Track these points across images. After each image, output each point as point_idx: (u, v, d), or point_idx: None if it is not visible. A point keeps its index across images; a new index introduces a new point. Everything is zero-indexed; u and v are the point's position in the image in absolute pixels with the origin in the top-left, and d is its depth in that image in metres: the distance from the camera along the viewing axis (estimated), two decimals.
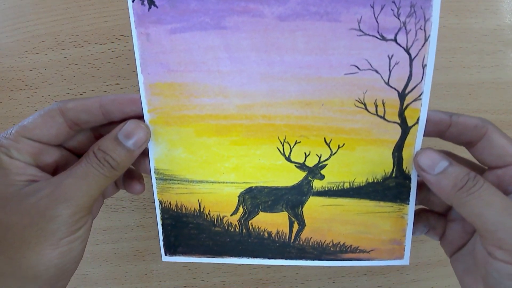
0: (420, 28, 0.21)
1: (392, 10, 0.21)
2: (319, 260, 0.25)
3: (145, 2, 0.21)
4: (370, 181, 0.24)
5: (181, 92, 0.23)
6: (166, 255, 0.26)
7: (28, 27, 0.34)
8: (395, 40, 0.21)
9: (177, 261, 0.28)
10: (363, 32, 0.21)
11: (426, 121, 0.22)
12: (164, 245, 0.26)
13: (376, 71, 0.22)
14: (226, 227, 0.25)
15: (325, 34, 0.21)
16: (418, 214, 0.26)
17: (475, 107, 0.34)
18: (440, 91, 0.33)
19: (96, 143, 0.22)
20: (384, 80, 0.22)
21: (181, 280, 0.36)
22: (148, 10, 0.22)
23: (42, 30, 0.33)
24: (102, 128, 0.25)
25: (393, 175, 0.24)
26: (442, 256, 0.35)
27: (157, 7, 0.21)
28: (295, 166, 0.24)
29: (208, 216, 0.25)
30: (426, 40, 0.21)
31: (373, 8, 0.21)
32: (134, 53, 0.22)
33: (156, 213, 0.25)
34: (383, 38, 0.21)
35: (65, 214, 0.21)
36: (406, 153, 0.23)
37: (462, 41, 0.33)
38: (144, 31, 0.22)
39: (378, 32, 0.21)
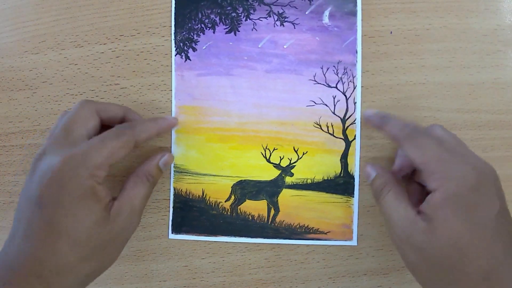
0: (351, 81, 0.34)
1: (333, 70, 0.34)
2: (290, 239, 0.33)
3: (183, 57, 0.35)
4: (325, 178, 0.34)
5: (199, 112, 0.34)
6: (172, 233, 0.34)
7: (28, 27, 0.33)
8: (336, 87, 0.34)
9: (180, 239, 0.33)
10: (317, 81, 0.34)
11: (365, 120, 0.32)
12: (172, 225, 0.34)
13: (326, 105, 0.34)
14: (221, 211, 0.33)
15: (294, 82, 0.34)
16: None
17: (475, 107, 0.33)
18: (440, 91, 0.33)
19: (145, 168, 0.30)
20: (331, 110, 0.34)
21: (181, 280, 0.35)
22: (185, 62, 0.35)
23: (42, 30, 0.33)
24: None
25: (341, 175, 0.34)
26: None
27: (190, 60, 0.35)
28: (273, 166, 0.34)
29: (209, 201, 0.34)
30: (354, 88, 0.34)
31: (322, 69, 0.34)
32: (171, 85, 0.34)
33: (170, 198, 0.33)
34: (329, 86, 0.34)
35: (136, 224, 0.30)
36: (350, 160, 0.34)
37: (462, 41, 0.32)
38: (180, 73, 0.35)
39: (325, 82, 0.34)
